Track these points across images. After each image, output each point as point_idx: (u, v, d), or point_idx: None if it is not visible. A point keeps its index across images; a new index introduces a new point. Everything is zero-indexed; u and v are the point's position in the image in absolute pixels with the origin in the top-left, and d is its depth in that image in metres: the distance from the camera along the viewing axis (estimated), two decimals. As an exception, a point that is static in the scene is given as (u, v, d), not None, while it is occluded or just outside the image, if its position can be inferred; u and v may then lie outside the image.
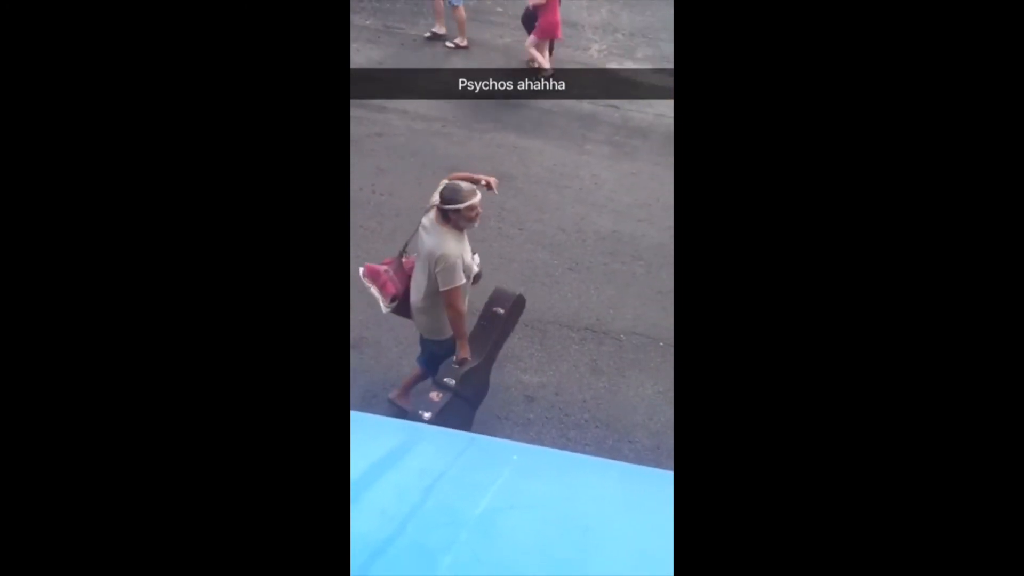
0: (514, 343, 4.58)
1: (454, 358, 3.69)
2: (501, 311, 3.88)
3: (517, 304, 3.96)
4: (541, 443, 3.94)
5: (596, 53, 8.40)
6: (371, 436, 2.27)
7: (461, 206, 3.44)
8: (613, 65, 8.13)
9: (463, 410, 3.68)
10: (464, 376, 3.68)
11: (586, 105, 7.31)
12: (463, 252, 3.53)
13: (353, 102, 6.81)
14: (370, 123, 6.80)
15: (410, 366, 4.13)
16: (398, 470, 2.04)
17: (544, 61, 7.55)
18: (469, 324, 3.80)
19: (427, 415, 3.57)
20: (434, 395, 3.65)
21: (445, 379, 3.68)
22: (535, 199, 6.00)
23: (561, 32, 7.68)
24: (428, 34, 8.42)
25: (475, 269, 3.70)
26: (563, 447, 3.94)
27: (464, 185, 3.48)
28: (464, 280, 3.53)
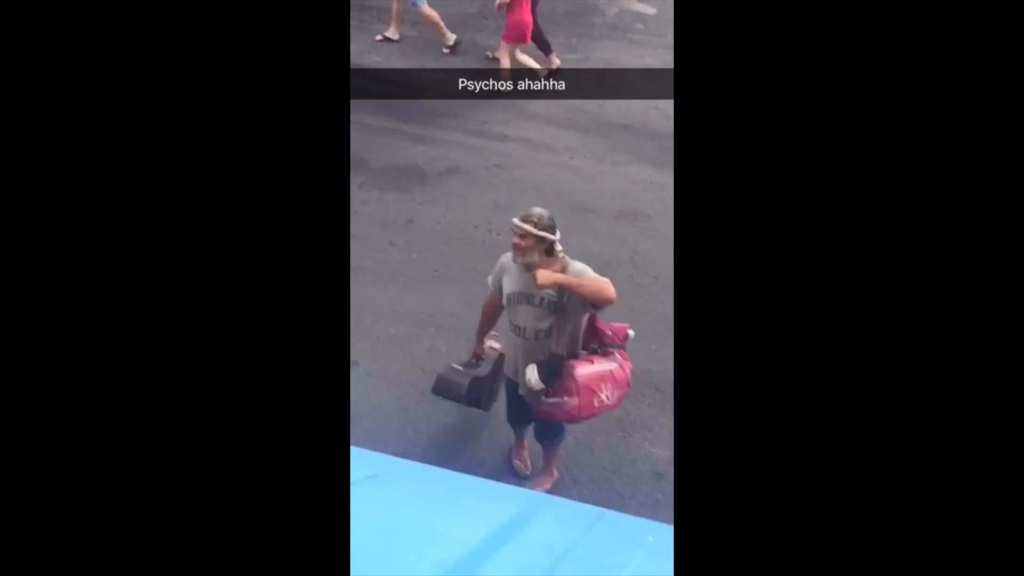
0: (643, 409, 4.31)
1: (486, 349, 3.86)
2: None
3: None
4: (672, 524, 3.64)
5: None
6: (487, 503, 2.21)
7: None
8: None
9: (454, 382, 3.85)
10: (473, 375, 3.78)
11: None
12: (509, 273, 3.48)
13: (469, 131, 6.91)
14: (489, 153, 6.52)
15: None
16: (518, 542, 1.92)
17: (507, 66, 6.96)
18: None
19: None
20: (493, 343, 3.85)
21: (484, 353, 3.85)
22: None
23: (530, 36, 7.01)
24: (379, 37, 7.69)
25: (510, 297, 3.56)
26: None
27: (535, 211, 3.37)
28: (491, 288, 3.59)
